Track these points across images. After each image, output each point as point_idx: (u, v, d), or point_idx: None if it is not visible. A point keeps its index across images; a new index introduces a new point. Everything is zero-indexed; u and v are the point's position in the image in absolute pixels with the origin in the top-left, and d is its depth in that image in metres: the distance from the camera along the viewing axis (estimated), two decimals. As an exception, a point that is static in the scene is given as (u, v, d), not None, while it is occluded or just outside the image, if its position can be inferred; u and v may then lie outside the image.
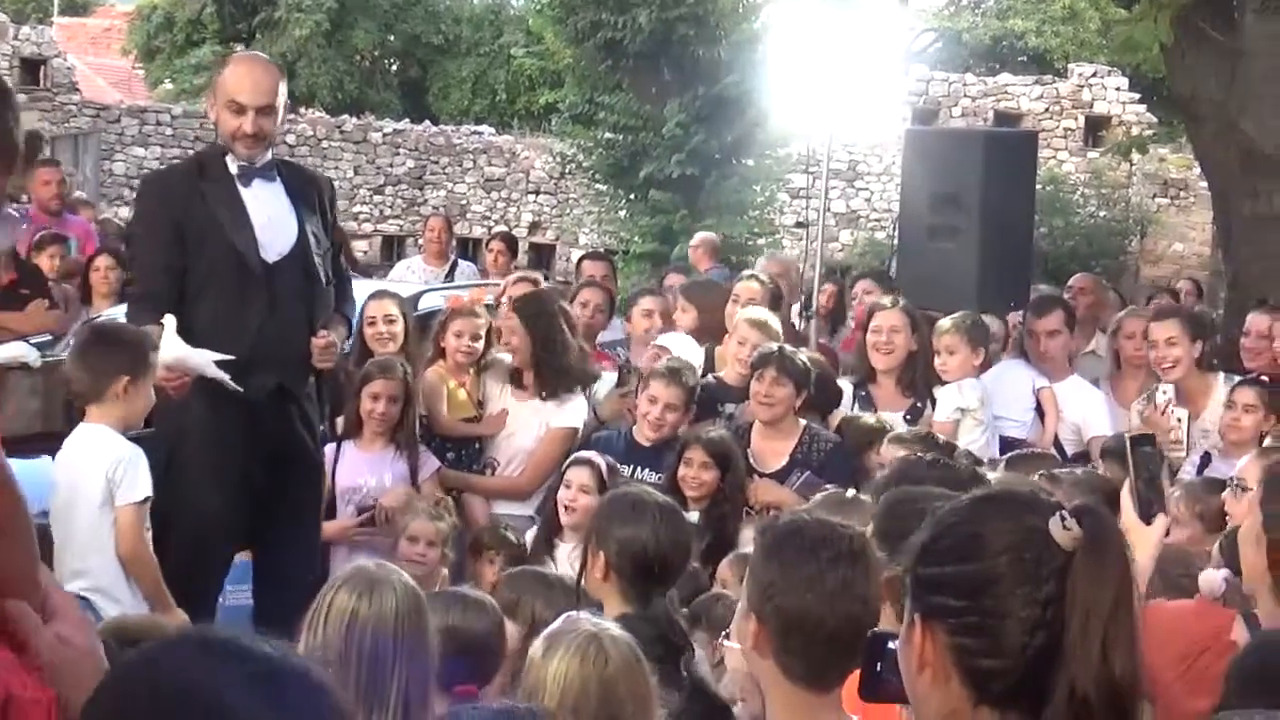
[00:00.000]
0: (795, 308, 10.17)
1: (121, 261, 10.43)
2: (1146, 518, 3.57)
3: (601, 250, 17.48)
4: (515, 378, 7.52)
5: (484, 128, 29.90)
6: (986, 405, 7.62)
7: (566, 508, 6.21)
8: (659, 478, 6.69)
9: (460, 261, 13.28)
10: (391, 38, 36.63)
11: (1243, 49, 10.03)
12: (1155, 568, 4.17)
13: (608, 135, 23.74)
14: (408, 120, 29.99)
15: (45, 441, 6.40)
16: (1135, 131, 24.01)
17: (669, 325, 8.65)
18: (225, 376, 5.82)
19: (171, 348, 5.76)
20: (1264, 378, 7.59)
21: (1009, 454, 6.55)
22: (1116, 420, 7.99)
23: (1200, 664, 3.57)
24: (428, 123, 29.76)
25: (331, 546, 6.75)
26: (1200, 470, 7.25)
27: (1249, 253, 10.32)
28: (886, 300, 7.96)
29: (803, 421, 7.09)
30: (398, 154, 27.96)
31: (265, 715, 1.63)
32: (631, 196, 23.79)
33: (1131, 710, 2.14)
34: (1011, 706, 2.15)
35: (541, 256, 27.22)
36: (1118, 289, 13.08)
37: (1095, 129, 26.43)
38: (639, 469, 6.95)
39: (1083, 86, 26.62)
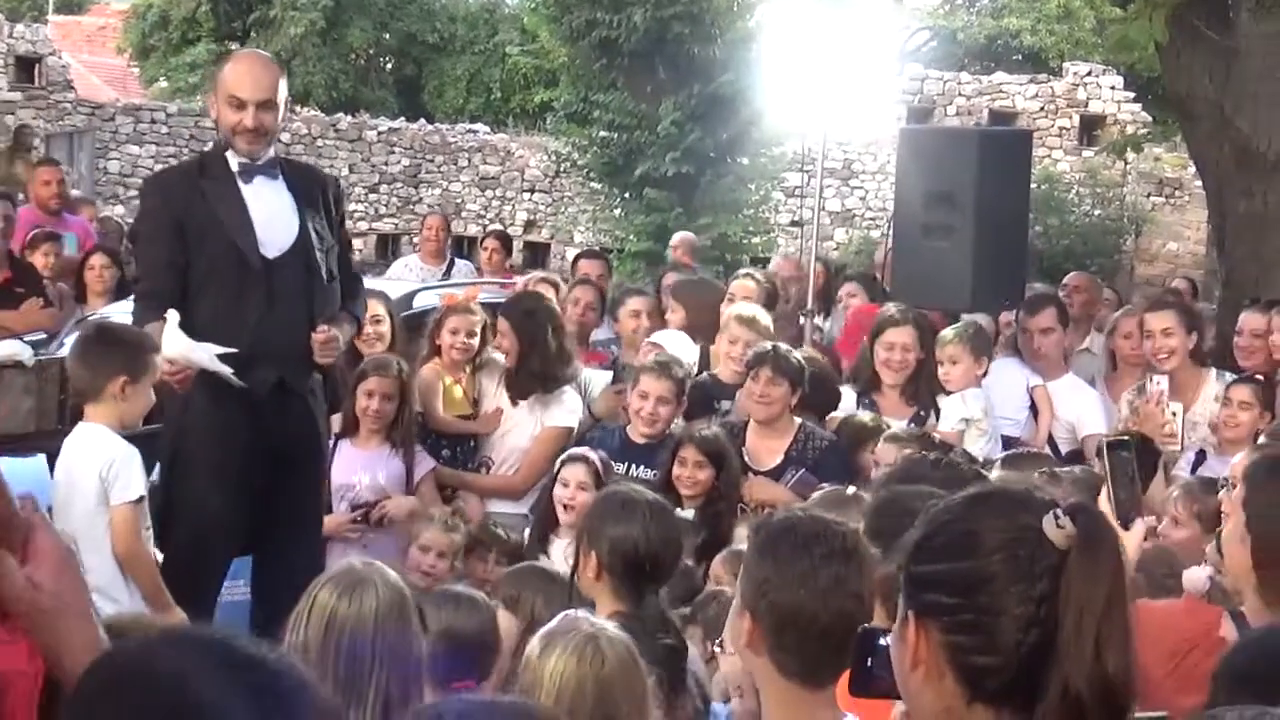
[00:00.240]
0: (818, 317, 10.15)
1: (117, 260, 10.43)
2: (1124, 523, 3.57)
3: (597, 249, 17.49)
4: (506, 378, 7.53)
5: (479, 126, 29.88)
6: (990, 414, 7.64)
7: (565, 506, 6.21)
8: (654, 474, 6.71)
9: (458, 260, 13.28)
10: (386, 36, 36.60)
11: (1238, 48, 10.02)
12: (1140, 568, 4.18)
13: (603, 134, 23.75)
14: (403, 119, 29.98)
15: (39, 440, 6.40)
16: (1130, 130, 23.99)
17: (658, 324, 8.67)
18: (228, 370, 5.84)
19: (174, 341, 5.78)
20: (1259, 376, 7.61)
21: (1003, 453, 6.56)
22: (1111, 419, 8.00)
23: (1189, 661, 3.57)
24: (423, 121, 29.75)
25: (329, 544, 6.75)
26: (1195, 468, 7.27)
27: (1244, 251, 10.32)
28: (893, 310, 7.87)
29: (797, 420, 7.11)
30: (393, 152, 27.95)
31: (246, 711, 1.63)
32: (626, 195, 23.80)
33: (1125, 708, 2.14)
34: (1005, 704, 2.16)
35: (536, 255, 27.21)
36: (1113, 288, 13.08)
37: (1090, 128, 26.43)
38: (634, 466, 6.97)
39: (1078, 85, 26.62)
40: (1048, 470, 5.38)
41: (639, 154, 23.02)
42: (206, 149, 7.00)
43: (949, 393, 7.63)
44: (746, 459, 6.97)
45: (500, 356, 7.60)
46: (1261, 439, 6.47)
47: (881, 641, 2.42)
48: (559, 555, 6.00)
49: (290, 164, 6.50)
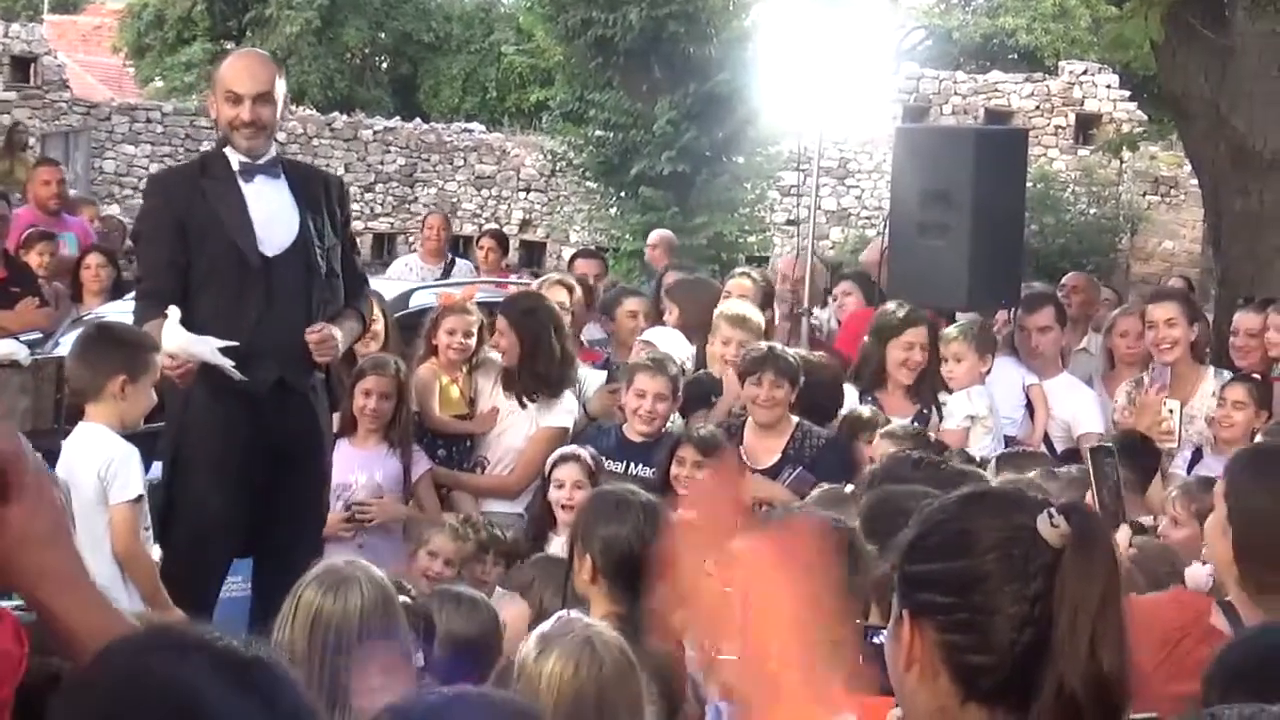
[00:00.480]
0: (816, 310, 10.15)
1: (113, 260, 10.43)
2: (1110, 526, 3.57)
3: (593, 248, 17.51)
4: (505, 377, 7.54)
5: (475, 125, 29.87)
6: (995, 412, 7.65)
7: (564, 506, 6.21)
8: (653, 472, 6.72)
9: (458, 260, 13.27)
10: (382, 35, 36.57)
11: (1233, 46, 10.03)
12: (1140, 565, 4.18)
13: (598, 133, 23.75)
14: (398, 118, 29.96)
15: (36, 439, 6.39)
16: (1126, 129, 24.02)
17: (655, 324, 8.68)
18: (229, 363, 5.85)
19: (175, 336, 5.80)
20: (1255, 375, 7.61)
21: (998, 452, 6.57)
22: (1108, 418, 8.00)
23: (1181, 650, 3.57)
24: (418, 120, 29.73)
25: (326, 544, 6.74)
26: (1191, 466, 7.27)
27: (1240, 250, 10.33)
28: (904, 310, 7.83)
29: (795, 418, 7.12)
30: (388, 151, 27.94)
31: (235, 705, 1.63)
32: (622, 194, 23.80)
33: (1120, 706, 2.15)
34: (1000, 703, 2.16)
35: (532, 254, 27.21)
36: (1111, 286, 13.08)
37: (1086, 126, 26.43)
38: (632, 464, 6.98)
39: (1073, 84, 26.63)
40: (1046, 470, 5.40)
41: (634, 153, 23.01)
42: (204, 149, 7.01)
43: (950, 390, 7.64)
44: (744, 457, 6.97)
45: (497, 356, 7.60)
46: (1259, 438, 6.48)
47: (875, 640, 2.43)
48: (558, 553, 6.00)
49: (293, 164, 6.53)
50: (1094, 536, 2.16)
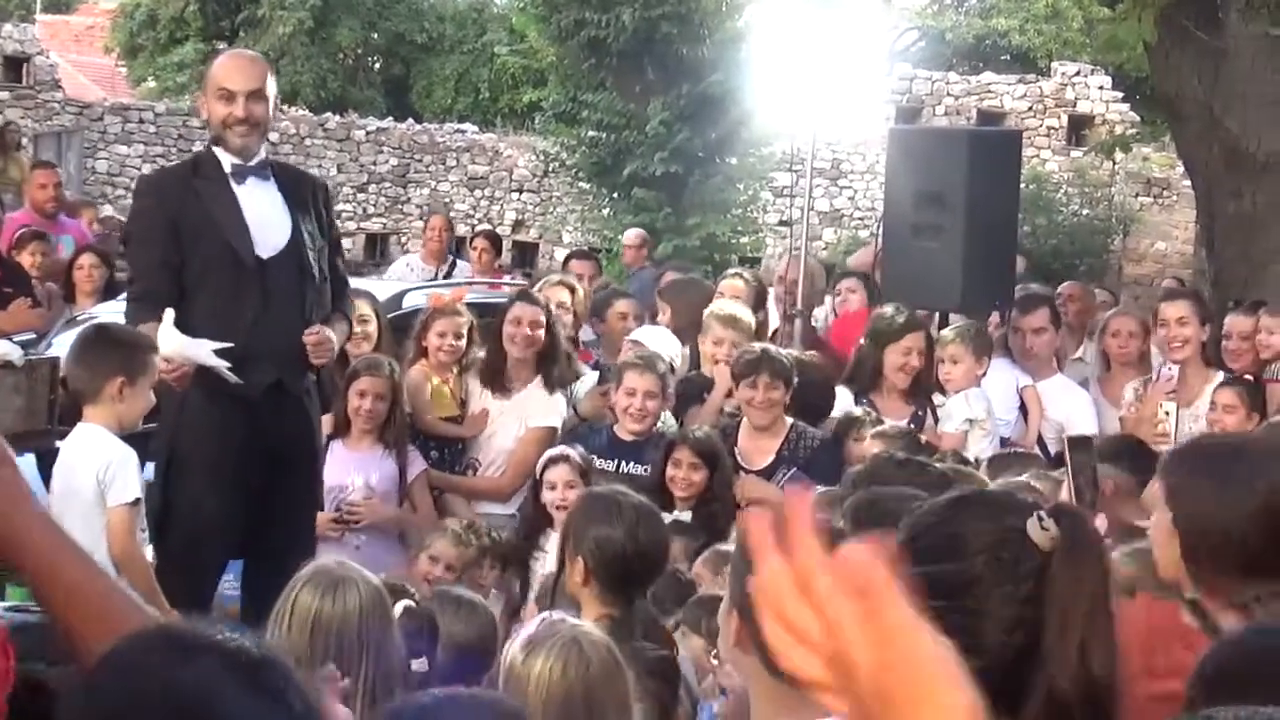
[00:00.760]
0: (817, 310, 10.15)
1: (106, 260, 10.42)
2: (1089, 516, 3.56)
3: (586, 249, 17.50)
4: (494, 379, 7.53)
5: (467, 126, 29.84)
6: (992, 414, 7.66)
7: (559, 508, 6.21)
8: (645, 470, 6.73)
9: (459, 261, 13.27)
10: (375, 35, 36.56)
11: (1226, 48, 10.05)
12: (1142, 567, 4.16)
13: (591, 133, 23.74)
14: (391, 118, 29.93)
15: (29, 439, 6.38)
16: (1118, 130, 24.02)
17: (641, 324, 8.71)
18: (224, 365, 5.85)
19: (170, 339, 5.79)
20: (1248, 377, 7.62)
21: (990, 454, 6.57)
22: (1103, 420, 8.00)
23: (1161, 649, 3.54)
24: (411, 121, 29.70)
25: (320, 545, 6.74)
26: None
27: (1232, 252, 10.35)
28: (901, 314, 7.83)
29: (789, 419, 7.12)
30: (381, 152, 27.92)
31: (247, 706, 1.63)
32: (615, 195, 23.79)
33: (1110, 708, 2.15)
34: (990, 706, 2.16)
35: (525, 255, 27.19)
36: (1105, 287, 13.09)
37: (1078, 128, 26.43)
38: (624, 463, 6.98)
39: (1066, 85, 26.63)
40: (1039, 472, 5.39)
41: (627, 154, 23.01)
42: (196, 149, 7.01)
43: (944, 392, 7.64)
44: (738, 458, 6.98)
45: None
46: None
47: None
48: (554, 550, 6.00)
49: (280, 166, 6.53)
50: (1084, 539, 2.16)
